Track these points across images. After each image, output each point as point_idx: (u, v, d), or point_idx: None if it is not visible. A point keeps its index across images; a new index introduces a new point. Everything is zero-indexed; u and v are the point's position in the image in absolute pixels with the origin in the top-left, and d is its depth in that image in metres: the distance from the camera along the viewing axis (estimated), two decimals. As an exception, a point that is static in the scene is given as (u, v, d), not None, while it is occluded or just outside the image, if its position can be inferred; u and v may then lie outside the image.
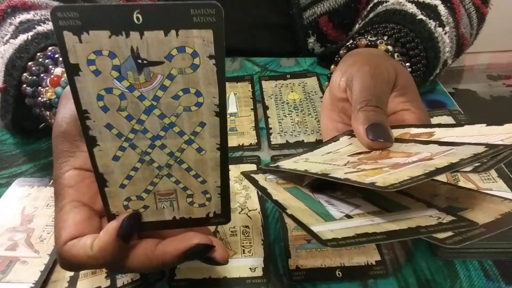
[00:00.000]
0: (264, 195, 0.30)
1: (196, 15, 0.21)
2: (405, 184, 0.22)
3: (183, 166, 0.27)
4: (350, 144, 0.35)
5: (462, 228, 0.23)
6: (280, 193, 0.30)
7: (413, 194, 0.28)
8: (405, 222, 0.24)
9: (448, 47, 0.47)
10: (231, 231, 0.38)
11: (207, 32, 0.22)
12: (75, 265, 0.27)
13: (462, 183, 0.40)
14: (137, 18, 0.21)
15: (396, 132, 0.33)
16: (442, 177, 0.39)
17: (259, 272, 0.34)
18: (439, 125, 0.32)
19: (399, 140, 0.32)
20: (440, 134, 0.30)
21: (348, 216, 0.26)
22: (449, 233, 0.23)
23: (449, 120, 0.50)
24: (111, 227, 0.26)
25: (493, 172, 0.41)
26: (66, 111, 0.30)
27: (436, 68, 0.47)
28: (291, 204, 0.28)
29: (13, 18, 0.46)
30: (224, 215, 0.29)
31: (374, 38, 0.43)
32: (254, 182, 0.33)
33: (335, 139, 0.37)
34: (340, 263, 0.35)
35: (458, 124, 0.32)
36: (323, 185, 0.31)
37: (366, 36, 0.44)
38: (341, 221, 0.26)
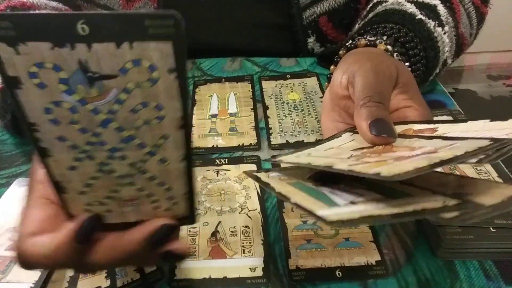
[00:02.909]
0: (267, 189, 0.30)
1: (152, 26, 0.19)
2: (410, 173, 0.22)
3: (146, 176, 0.25)
4: (353, 140, 0.34)
5: (468, 209, 0.23)
6: (283, 186, 0.30)
7: (418, 185, 0.28)
8: (411, 206, 0.24)
9: (448, 46, 0.47)
10: (231, 231, 0.38)
11: (165, 45, 0.20)
12: (31, 263, 0.26)
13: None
14: (82, 29, 0.19)
15: (399, 129, 0.33)
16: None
17: (259, 272, 0.34)
18: (442, 121, 0.32)
19: (402, 136, 0.32)
20: (444, 130, 0.30)
21: (353, 203, 0.26)
22: (455, 213, 0.23)
23: (449, 120, 0.50)
24: (68, 228, 0.25)
25: (493, 172, 0.41)
26: None
27: (436, 68, 0.47)
28: (295, 195, 0.28)
29: (12, 18, 0.46)
30: (190, 217, 0.28)
31: (373, 38, 0.43)
32: (257, 179, 0.33)
33: (337, 135, 0.37)
34: (340, 263, 0.35)
35: (462, 120, 0.32)
36: (326, 178, 0.31)
37: (365, 36, 0.44)
38: (346, 206, 0.25)
